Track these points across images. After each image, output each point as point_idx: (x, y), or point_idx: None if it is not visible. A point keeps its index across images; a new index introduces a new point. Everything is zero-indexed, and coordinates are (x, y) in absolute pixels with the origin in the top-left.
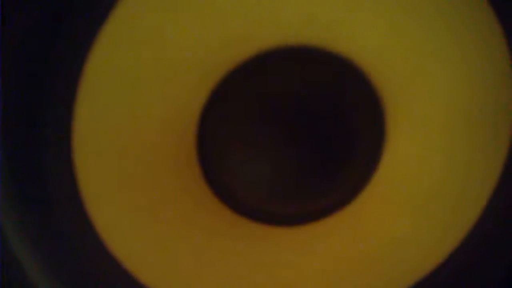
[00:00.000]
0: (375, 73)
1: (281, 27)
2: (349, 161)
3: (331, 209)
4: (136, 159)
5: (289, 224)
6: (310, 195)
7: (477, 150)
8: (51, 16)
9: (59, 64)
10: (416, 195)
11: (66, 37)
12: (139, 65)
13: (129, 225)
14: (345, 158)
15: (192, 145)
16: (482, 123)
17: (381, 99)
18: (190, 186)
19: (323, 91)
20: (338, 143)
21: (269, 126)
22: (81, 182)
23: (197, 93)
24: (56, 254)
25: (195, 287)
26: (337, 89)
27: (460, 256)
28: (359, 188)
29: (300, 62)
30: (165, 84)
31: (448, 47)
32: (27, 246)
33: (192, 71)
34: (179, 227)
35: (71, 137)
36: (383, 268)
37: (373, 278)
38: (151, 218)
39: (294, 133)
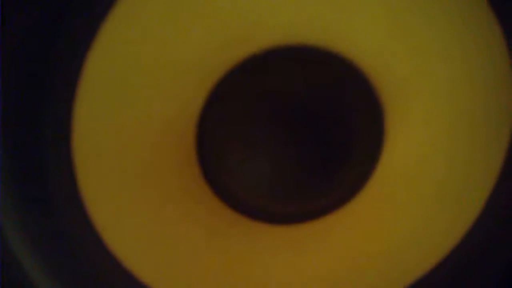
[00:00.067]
0: (375, 73)
1: (281, 27)
2: (348, 160)
3: (330, 208)
4: (135, 158)
5: (288, 223)
6: (309, 194)
7: (478, 149)
8: (51, 16)
9: (58, 64)
10: (416, 195)
11: (65, 37)
12: (138, 64)
13: (129, 224)
14: (344, 157)
15: (191, 145)
16: (483, 122)
17: (380, 98)
18: (190, 186)
19: (323, 91)
20: (337, 143)
21: (268, 126)
22: (81, 182)
23: (197, 93)
24: (57, 254)
25: (195, 285)
26: (337, 89)
27: (459, 254)
28: (358, 187)
29: (299, 62)
30: (164, 83)
31: (449, 47)
32: (28, 246)
33: (192, 71)
34: (179, 226)
35: (71, 137)
36: (382, 266)
37: (373, 276)
38: (150, 217)
39: (293, 132)
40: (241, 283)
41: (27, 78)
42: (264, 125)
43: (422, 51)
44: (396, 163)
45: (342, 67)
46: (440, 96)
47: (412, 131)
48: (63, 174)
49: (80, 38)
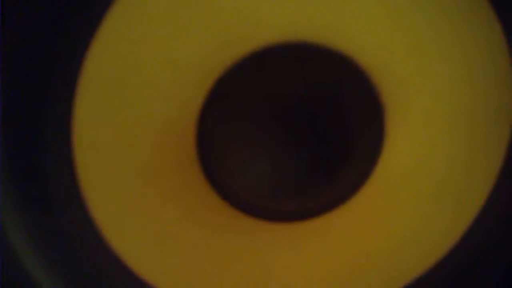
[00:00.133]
0: (375, 71)
1: (282, 26)
2: (348, 158)
3: (330, 206)
4: (136, 158)
5: (288, 221)
6: (309, 193)
7: (478, 148)
8: (51, 16)
9: (58, 64)
10: (415, 194)
11: (65, 37)
12: (137, 64)
13: (130, 223)
14: (344, 155)
15: (192, 144)
16: (483, 121)
17: (380, 97)
18: (191, 184)
19: (323, 89)
20: (337, 141)
21: (267, 124)
22: (81, 181)
23: (197, 92)
24: (58, 253)
25: (195, 283)
26: (337, 87)
27: (459, 253)
28: (358, 185)
29: (299, 59)
30: (164, 83)
31: (449, 46)
32: (29, 246)
33: (192, 71)
34: (180, 224)
35: (71, 137)
36: (381, 265)
37: (372, 274)
38: (151, 216)
39: (293, 130)
40: (241, 280)
41: (27, 78)
42: (264, 123)
43: (423, 50)
44: (396, 161)
45: (342, 65)
46: (440, 95)
47: (412, 130)
48: (63, 173)
49: (79, 38)
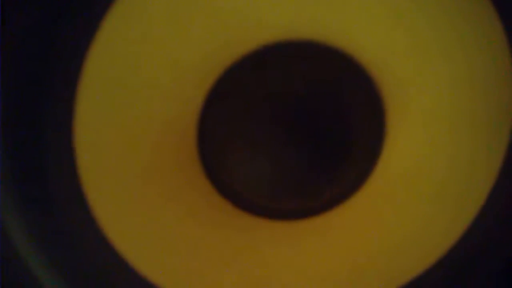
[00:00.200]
0: (375, 70)
1: (282, 26)
2: (348, 157)
3: (330, 205)
4: (136, 157)
5: (288, 219)
6: (309, 191)
7: (478, 148)
8: (51, 16)
9: (58, 64)
10: (416, 194)
11: (65, 37)
12: (137, 64)
13: (131, 222)
14: (344, 154)
15: (192, 143)
16: (484, 121)
17: (381, 96)
18: (192, 183)
19: (323, 88)
20: (337, 140)
21: (268, 123)
22: (82, 181)
23: (197, 92)
24: (60, 252)
25: (196, 281)
26: (337, 86)
27: (459, 253)
28: (358, 184)
29: (299, 59)
30: (164, 83)
31: (450, 45)
32: (30, 246)
33: (192, 70)
34: (181, 222)
35: (72, 137)
36: (381, 264)
37: (372, 274)
38: (153, 215)
39: (293, 129)
40: (242, 278)
41: (27, 78)
42: (264, 122)
43: (423, 50)
44: (396, 161)
45: (343, 65)
46: (440, 94)
47: (413, 129)
48: (64, 173)
49: (79, 38)
